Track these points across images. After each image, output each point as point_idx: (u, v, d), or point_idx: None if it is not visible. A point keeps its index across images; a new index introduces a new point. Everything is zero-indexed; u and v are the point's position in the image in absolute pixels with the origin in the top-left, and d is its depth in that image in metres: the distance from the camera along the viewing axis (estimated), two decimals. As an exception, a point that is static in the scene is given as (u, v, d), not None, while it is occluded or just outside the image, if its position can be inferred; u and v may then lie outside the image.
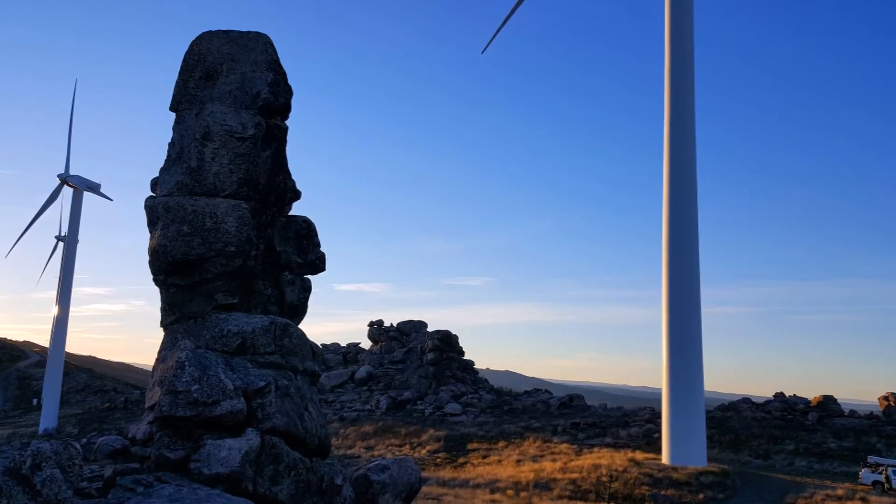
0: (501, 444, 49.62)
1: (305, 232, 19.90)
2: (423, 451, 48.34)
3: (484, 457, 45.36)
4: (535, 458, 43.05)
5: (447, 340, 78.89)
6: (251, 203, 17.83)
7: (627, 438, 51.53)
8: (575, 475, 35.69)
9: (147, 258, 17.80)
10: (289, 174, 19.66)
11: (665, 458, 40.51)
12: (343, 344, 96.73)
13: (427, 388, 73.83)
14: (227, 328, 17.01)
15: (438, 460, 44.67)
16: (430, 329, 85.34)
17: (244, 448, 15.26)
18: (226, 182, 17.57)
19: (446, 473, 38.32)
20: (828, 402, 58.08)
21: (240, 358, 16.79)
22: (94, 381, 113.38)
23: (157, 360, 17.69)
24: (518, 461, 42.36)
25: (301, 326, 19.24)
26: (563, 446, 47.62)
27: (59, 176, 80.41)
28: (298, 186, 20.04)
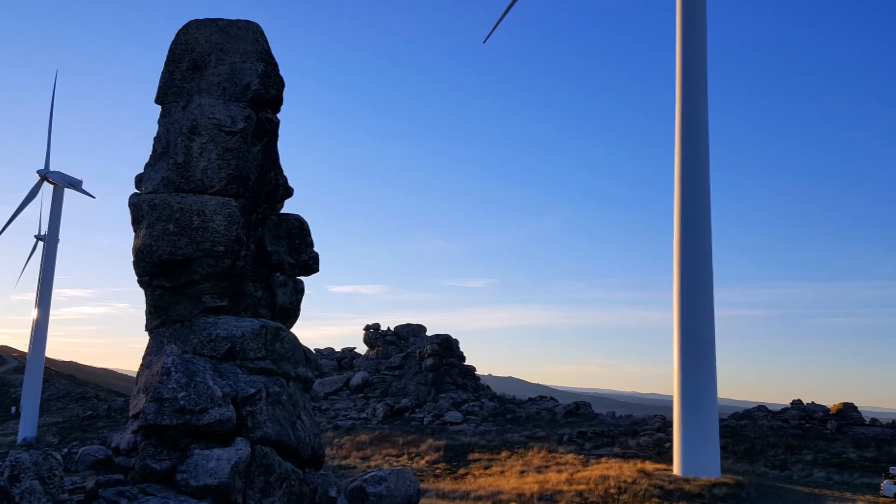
0: (504, 454, 49.63)
1: (298, 231, 19.90)
2: (422, 462, 48.35)
3: (486, 467, 45.36)
4: (539, 469, 43.06)
5: (447, 345, 78.91)
6: (241, 200, 17.83)
7: (637, 448, 51.53)
8: (582, 487, 35.70)
9: (131, 258, 17.81)
10: (280, 170, 19.67)
11: (676, 468, 40.51)
12: (338, 349, 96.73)
13: (426, 396, 73.86)
14: (215, 332, 17.01)
15: (438, 471, 44.68)
16: (429, 333, 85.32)
17: (233, 458, 15.27)
18: (214, 178, 17.56)
19: (446, 485, 38.33)
20: (848, 410, 58.04)
21: (229, 363, 16.80)
22: (76, 387, 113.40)
23: (141, 365, 17.68)
24: (522, 472, 42.36)
25: (294, 330, 19.24)
26: (570, 456, 47.63)
27: (38, 172, 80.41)
28: (291, 183, 20.07)
